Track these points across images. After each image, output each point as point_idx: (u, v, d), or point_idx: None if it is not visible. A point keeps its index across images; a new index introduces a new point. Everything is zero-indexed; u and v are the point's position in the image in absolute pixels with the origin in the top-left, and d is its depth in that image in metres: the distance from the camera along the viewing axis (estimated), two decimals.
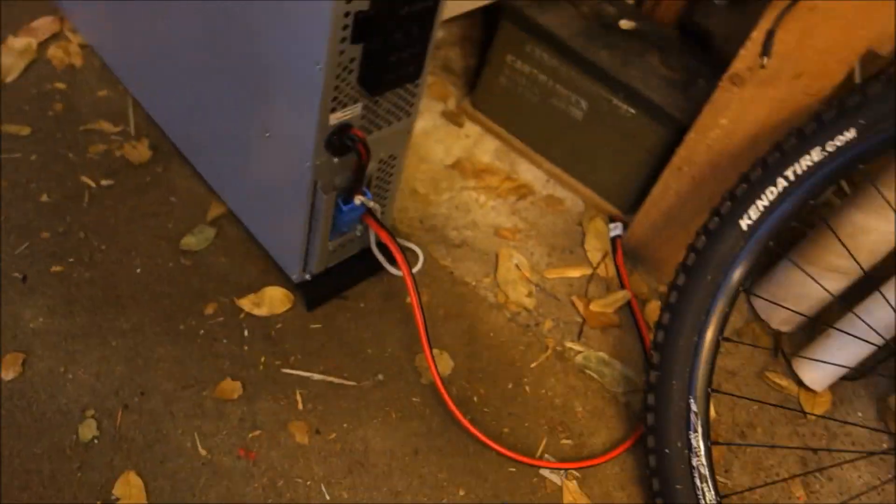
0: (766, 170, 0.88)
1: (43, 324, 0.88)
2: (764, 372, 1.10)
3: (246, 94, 0.87)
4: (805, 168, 0.86)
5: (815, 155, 0.86)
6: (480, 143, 1.23)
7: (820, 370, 1.08)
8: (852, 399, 1.11)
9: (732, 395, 1.06)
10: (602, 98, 1.11)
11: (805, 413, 1.07)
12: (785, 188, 0.88)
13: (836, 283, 1.07)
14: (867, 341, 0.99)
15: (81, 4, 1.13)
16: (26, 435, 0.80)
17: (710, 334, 0.91)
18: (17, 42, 1.12)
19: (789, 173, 0.87)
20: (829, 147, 0.85)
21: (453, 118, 1.24)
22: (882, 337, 0.99)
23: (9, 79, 1.08)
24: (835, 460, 1.04)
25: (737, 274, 0.90)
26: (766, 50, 0.86)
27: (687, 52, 1.14)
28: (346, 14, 0.71)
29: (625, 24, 1.14)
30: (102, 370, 0.87)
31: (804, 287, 1.09)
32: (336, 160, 0.84)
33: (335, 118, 0.80)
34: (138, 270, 0.95)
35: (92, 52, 1.15)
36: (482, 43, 1.37)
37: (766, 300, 1.12)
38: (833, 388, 1.10)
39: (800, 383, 1.09)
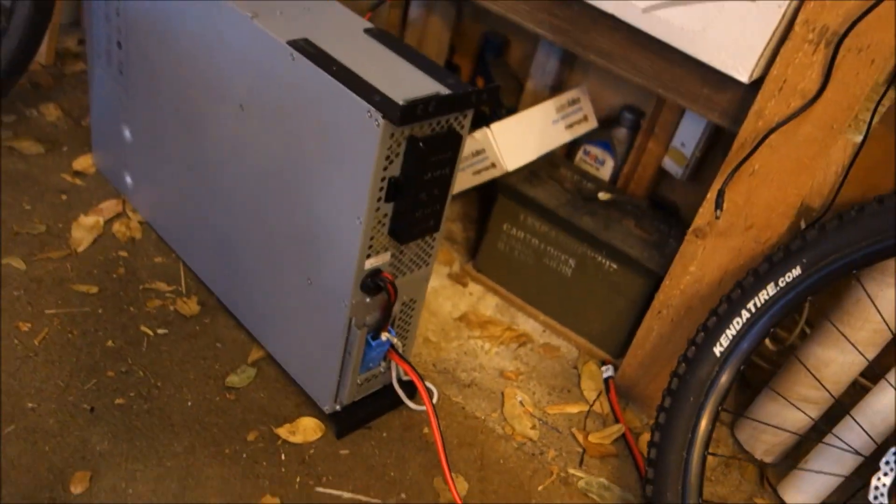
0: (731, 304, 1.04)
1: (108, 447, 1.00)
2: (752, 499, 1.20)
3: (289, 251, 1.05)
4: (763, 301, 1.03)
5: (770, 290, 1.02)
6: (483, 300, 1.40)
7: (805, 495, 1.18)
8: None
9: (724, 503, 1.16)
10: (588, 257, 1.29)
11: None
12: (748, 319, 1.03)
13: (810, 413, 1.19)
14: (851, 450, 1.10)
15: (140, 190, 1.34)
16: None
17: (697, 450, 1.03)
18: (87, 220, 1.31)
19: (750, 306, 1.03)
20: (781, 283, 1.02)
21: (458, 279, 1.42)
22: (861, 455, 1.11)
23: (80, 249, 1.26)
24: None
25: (715, 394, 1.04)
26: (718, 205, 1.05)
27: (658, 219, 1.34)
28: (383, 179, 0.90)
29: (603, 195, 1.35)
30: (159, 487, 0.97)
31: (781, 418, 1.21)
32: (368, 300, 1.00)
33: (369, 263, 0.97)
34: (189, 403, 1.08)
35: (149, 227, 1.34)
36: (478, 218, 1.58)
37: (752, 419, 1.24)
38: None
39: None
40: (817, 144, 1.01)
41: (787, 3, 0.97)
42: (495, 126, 1.29)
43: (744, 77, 1.04)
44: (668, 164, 1.41)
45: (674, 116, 1.38)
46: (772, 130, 1.02)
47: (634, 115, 1.44)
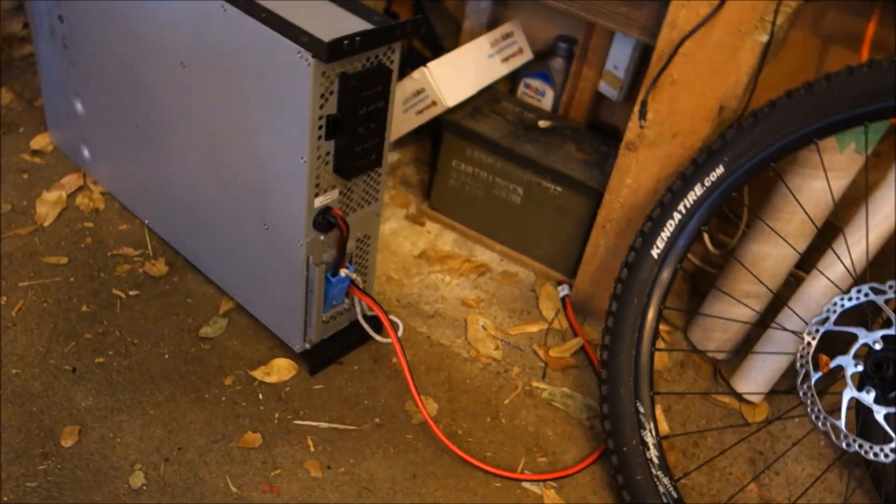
0: (663, 208, 1.11)
1: (93, 403, 1.06)
2: (708, 394, 1.28)
3: (244, 200, 1.10)
4: (692, 202, 1.09)
5: (698, 190, 1.09)
6: (440, 237, 1.46)
7: (754, 382, 1.26)
8: (786, 407, 1.28)
9: (673, 393, 1.24)
10: (534, 183, 1.35)
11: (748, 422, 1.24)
12: (679, 220, 1.10)
13: (754, 307, 1.27)
14: (791, 332, 1.17)
15: (98, 162, 1.38)
16: (86, 487, 0.96)
17: (645, 346, 1.10)
18: (50, 195, 1.35)
19: (681, 207, 1.10)
20: (706, 182, 1.08)
21: (415, 219, 1.48)
22: (801, 336, 1.18)
23: (46, 223, 1.31)
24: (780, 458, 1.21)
25: (656, 294, 1.11)
26: (642, 115, 1.11)
27: (597, 140, 1.40)
28: (320, 117, 0.95)
29: (543, 123, 1.41)
30: (145, 434, 1.03)
31: (728, 315, 1.29)
32: (322, 237, 1.06)
33: (318, 202, 1.02)
34: (167, 356, 1.14)
35: (111, 197, 1.38)
36: (430, 161, 1.63)
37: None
38: (768, 399, 1.28)
39: (740, 398, 1.27)
40: (727, 48, 1.07)
41: None
42: (432, 64, 1.33)
43: None
44: (605, 87, 1.47)
45: (604, 41, 1.43)
46: (685, 38, 1.08)
47: (568, 44, 1.49)
